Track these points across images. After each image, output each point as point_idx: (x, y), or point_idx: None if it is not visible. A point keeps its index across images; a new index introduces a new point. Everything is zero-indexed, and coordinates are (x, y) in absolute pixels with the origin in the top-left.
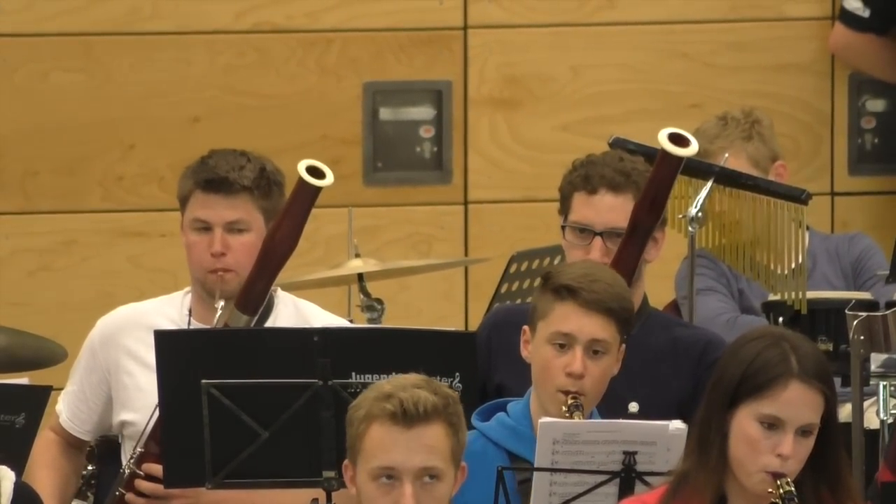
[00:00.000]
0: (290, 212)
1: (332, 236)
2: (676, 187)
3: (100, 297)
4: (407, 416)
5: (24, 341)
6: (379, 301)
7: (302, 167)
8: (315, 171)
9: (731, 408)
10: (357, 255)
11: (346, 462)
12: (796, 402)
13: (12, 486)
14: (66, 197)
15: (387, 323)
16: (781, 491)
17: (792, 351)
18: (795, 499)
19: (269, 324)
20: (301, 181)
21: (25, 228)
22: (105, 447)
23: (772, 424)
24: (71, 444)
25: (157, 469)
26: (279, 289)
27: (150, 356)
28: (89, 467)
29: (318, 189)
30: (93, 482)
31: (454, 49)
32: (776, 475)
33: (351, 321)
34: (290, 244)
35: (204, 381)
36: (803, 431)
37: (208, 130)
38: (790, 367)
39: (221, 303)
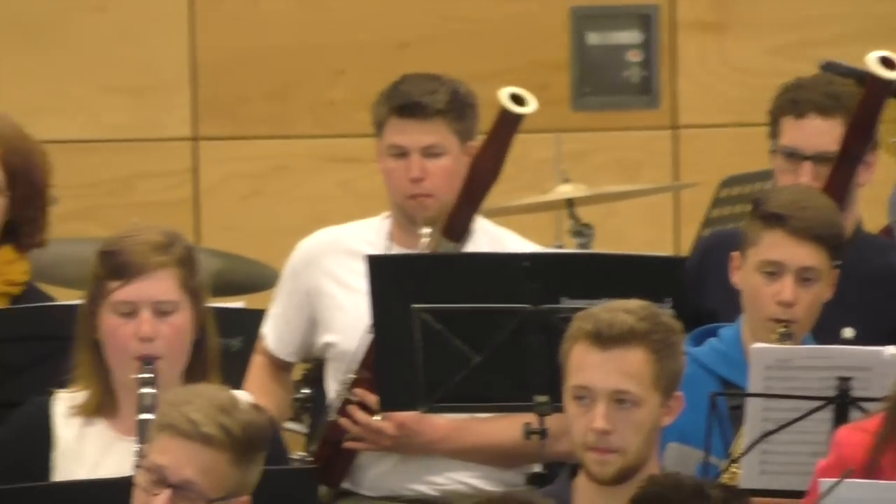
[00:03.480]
0: (493, 140)
1: (540, 161)
2: (888, 111)
3: (310, 222)
4: (602, 338)
5: (237, 265)
6: (588, 226)
7: (504, 95)
8: (518, 99)
9: None
10: (566, 181)
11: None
12: None
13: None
14: (277, 122)
15: (596, 248)
16: None
17: None
18: None
19: (467, 250)
20: (503, 109)
21: (237, 154)
22: (320, 370)
23: None
24: (278, 366)
25: (371, 397)
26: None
27: (351, 278)
28: (304, 391)
29: (521, 116)
30: (308, 405)
31: None
32: None
33: (560, 246)
34: (493, 172)
35: (415, 305)
36: None
37: (416, 56)
38: None
39: (427, 230)
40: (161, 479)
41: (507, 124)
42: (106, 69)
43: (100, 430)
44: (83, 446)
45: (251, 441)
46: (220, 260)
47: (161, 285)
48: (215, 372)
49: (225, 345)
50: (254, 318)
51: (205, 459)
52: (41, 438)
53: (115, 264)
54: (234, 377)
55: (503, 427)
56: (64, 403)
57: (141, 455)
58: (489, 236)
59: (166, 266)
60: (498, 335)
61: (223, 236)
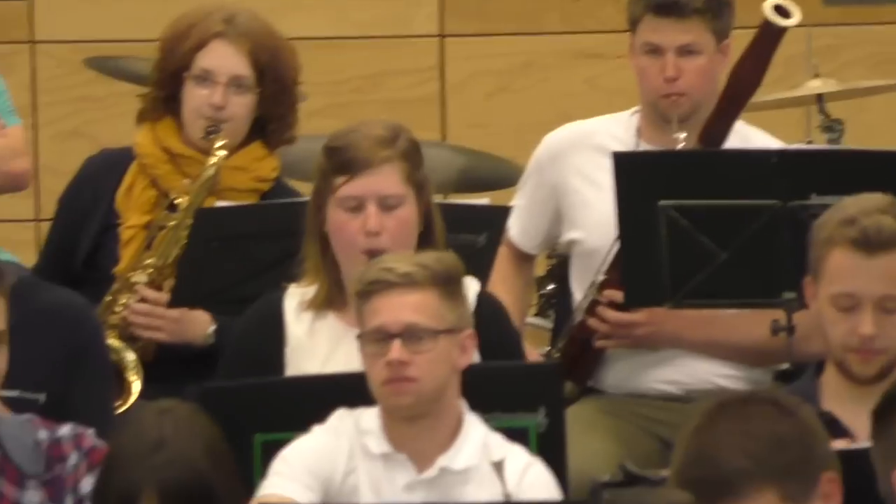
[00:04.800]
0: (755, 51)
1: (791, 56)
2: None
3: (557, 119)
4: (869, 244)
5: (483, 162)
6: (838, 122)
7: (768, 6)
8: (781, 11)
9: None
10: (816, 76)
11: (808, 278)
12: None
13: (475, 295)
14: (524, 18)
15: (846, 144)
16: None
17: None
18: None
19: None
20: (766, 21)
21: (484, 51)
22: (564, 266)
23: None
24: (521, 258)
25: (619, 296)
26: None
27: (598, 174)
28: (549, 286)
29: (784, 29)
30: (553, 301)
31: None
32: None
33: (809, 142)
34: (753, 84)
35: (662, 202)
36: None
37: None
38: None
39: (682, 135)
40: (385, 337)
41: (770, 36)
42: None
43: (330, 323)
44: (314, 340)
45: (449, 272)
46: (465, 157)
47: (387, 179)
48: None
49: (470, 241)
50: (499, 214)
51: (415, 300)
52: (274, 334)
53: (341, 160)
54: (480, 273)
55: (750, 323)
56: (295, 298)
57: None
58: (738, 134)
59: (391, 160)
60: (745, 231)
61: (469, 133)
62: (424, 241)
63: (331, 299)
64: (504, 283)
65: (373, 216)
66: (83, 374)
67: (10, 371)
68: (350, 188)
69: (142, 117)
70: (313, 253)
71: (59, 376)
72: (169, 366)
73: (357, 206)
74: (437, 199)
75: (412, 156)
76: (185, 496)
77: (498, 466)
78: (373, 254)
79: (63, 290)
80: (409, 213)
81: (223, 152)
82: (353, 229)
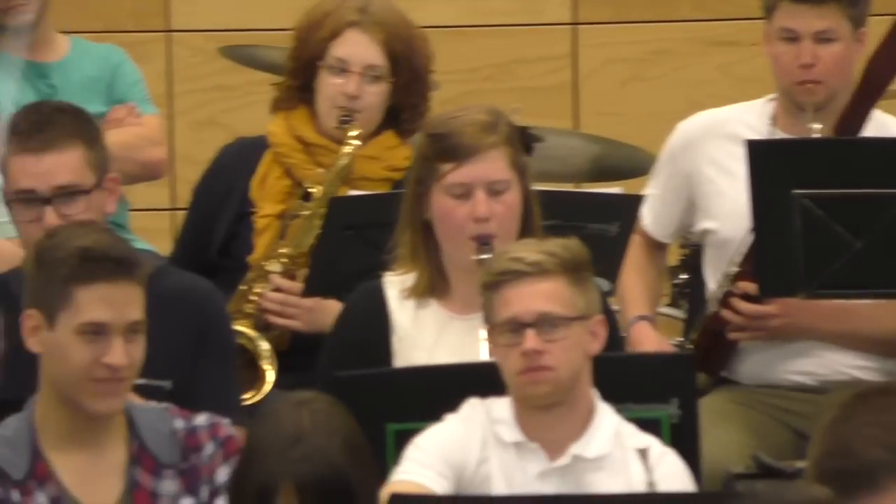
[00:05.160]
0: (892, 39)
1: None
2: None
3: (690, 107)
4: None
5: (616, 150)
6: None
7: None
8: None
9: None
10: None
11: None
12: None
13: None
14: (657, 6)
15: None
16: None
17: None
18: None
19: None
20: None
21: (617, 38)
22: (697, 256)
23: None
24: (654, 246)
25: (752, 287)
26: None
27: (732, 163)
28: (682, 276)
29: None
30: (686, 291)
31: None
32: None
33: None
34: (891, 72)
35: (796, 191)
36: None
37: None
38: None
39: (817, 126)
40: (518, 327)
41: None
42: None
43: (434, 311)
44: (419, 328)
45: (577, 259)
46: (598, 145)
47: (493, 165)
48: None
49: (602, 230)
50: (631, 203)
51: (546, 288)
52: (381, 322)
53: (446, 146)
54: (612, 262)
55: (886, 313)
56: (395, 286)
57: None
58: (874, 123)
59: (497, 146)
60: (881, 221)
61: (601, 121)
62: (525, 225)
63: (433, 287)
64: (637, 272)
65: (482, 202)
66: (208, 358)
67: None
68: (458, 175)
69: (276, 106)
70: (411, 240)
71: (185, 362)
72: (303, 355)
73: (464, 193)
74: (569, 187)
75: (514, 140)
76: (323, 490)
77: (643, 454)
78: (482, 239)
79: (186, 274)
80: (514, 197)
81: (357, 142)
82: (461, 215)
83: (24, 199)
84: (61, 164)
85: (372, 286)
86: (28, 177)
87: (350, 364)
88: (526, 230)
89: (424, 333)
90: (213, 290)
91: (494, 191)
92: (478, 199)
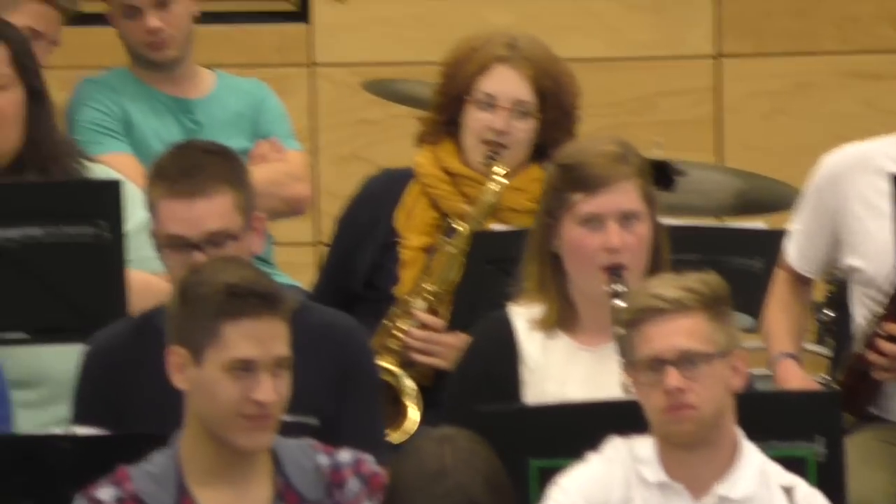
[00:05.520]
0: None
1: None
2: None
3: (834, 140)
4: None
5: (759, 184)
6: None
7: None
8: None
9: None
10: None
11: None
12: None
13: None
14: (801, 38)
15: None
16: None
17: None
18: None
19: None
20: None
21: (760, 71)
22: (843, 293)
23: None
24: (799, 281)
25: None
26: None
27: (878, 199)
28: (828, 313)
29: None
30: (831, 328)
31: None
32: None
33: None
34: None
35: None
36: None
37: None
38: None
39: None
40: (660, 365)
41: None
42: None
43: (562, 342)
44: (548, 360)
45: (716, 294)
46: (741, 179)
47: (625, 196)
48: None
49: (746, 265)
50: (775, 238)
51: (687, 325)
52: (510, 353)
53: (579, 177)
54: (755, 298)
55: None
56: (522, 317)
57: (626, 363)
58: None
59: (629, 176)
60: None
61: (745, 155)
62: (654, 258)
63: (562, 318)
64: (782, 307)
65: (614, 232)
66: (353, 395)
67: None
68: (590, 205)
69: (421, 140)
70: (539, 272)
71: (331, 398)
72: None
73: (596, 223)
74: (712, 221)
75: (645, 171)
76: None
77: (789, 493)
78: (613, 270)
79: (331, 310)
80: (645, 228)
81: (502, 179)
82: (592, 246)
83: (174, 245)
84: (212, 211)
85: (498, 317)
86: (178, 222)
87: (480, 396)
88: (655, 263)
89: (554, 365)
90: (358, 327)
91: (626, 222)
92: (609, 229)
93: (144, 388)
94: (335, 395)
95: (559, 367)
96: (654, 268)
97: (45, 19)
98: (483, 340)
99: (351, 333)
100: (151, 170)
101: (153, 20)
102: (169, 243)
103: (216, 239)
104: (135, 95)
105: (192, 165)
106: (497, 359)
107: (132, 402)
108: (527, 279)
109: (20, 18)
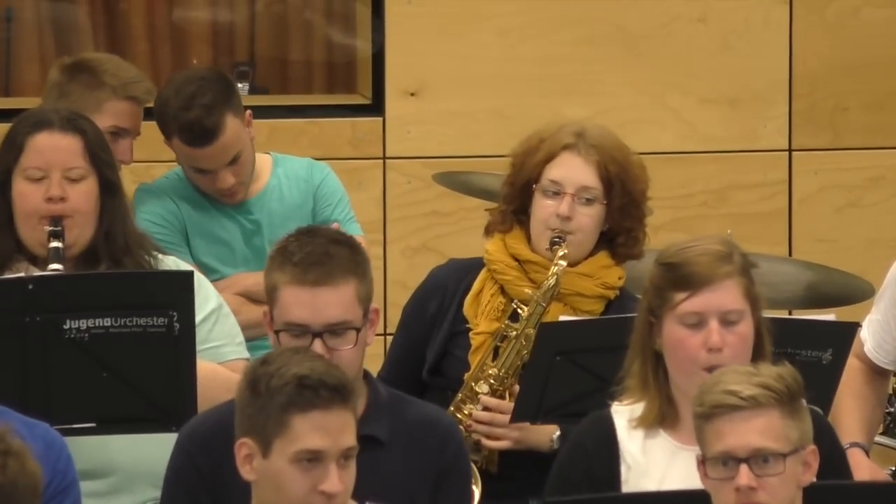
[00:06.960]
0: None
1: None
2: None
3: None
4: None
5: (831, 277)
6: None
7: None
8: None
9: None
10: None
11: None
12: None
13: None
14: (874, 132)
15: None
16: None
17: None
18: None
19: None
20: None
21: (835, 164)
22: None
23: None
24: (875, 372)
25: None
26: None
27: None
28: None
29: None
30: None
31: None
32: None
33: None
34: None
35: None
36: None
37: None
38: None
39: None
40: (732, 461)
41: None
42: (704, 80)
43: (662, 440)
44: (649, 459)
45: (791, 390)
46: (812, 272)
47: (728, 295)
48: None
49: (816, 357)
50: (845, 331)
51: (761, 423)
52: (610, 452)
53: (681, 275)
54: (825, 390)
55: None
56: (623, 416)
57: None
58: None
59: (731, 276)
60: None
61: (816, 248)
62: (756, 354)
63: (662, 416)
64: (855, 397)
65: (715, 332)
66: (450, 494)
67: (382, 485)
68: (692, 304)
69: (489, 230)
70: (641, 370)
71: (426, 494)
72: (513, 471)
73: (698, 322)
74: (783, 314)
75: (748, 271)
76: None
77: None
78: (713, 370)
79: (429, 405)
80: (747, 328)
81: (563, 262)
82: (693, 345)
83: (293, 332)
84: (336, 301)
85: (601, 416)
86: (302, 309)
87: (578, 490)
88: (756, 357)
89: (653, 463)
90: (455, 424)
91: (728, 321)
92: (711, 328)
93: (236, 476)
94: (430, 493)
95: (659, 466)
96: (756, 361)
97: (128, 115)
98: (582, 440)
99: (451, 431)
100: (275, 254)
101: (228, 179)
102: (288, 329)
103: (336, 329)
104: (191, 200)
105: (322, 254)
106: (597, 457)
107: (225, 489)
108: (629, 377)
109: (105, 120)
